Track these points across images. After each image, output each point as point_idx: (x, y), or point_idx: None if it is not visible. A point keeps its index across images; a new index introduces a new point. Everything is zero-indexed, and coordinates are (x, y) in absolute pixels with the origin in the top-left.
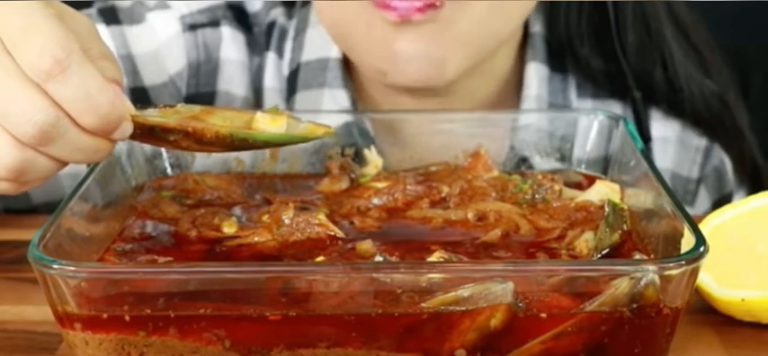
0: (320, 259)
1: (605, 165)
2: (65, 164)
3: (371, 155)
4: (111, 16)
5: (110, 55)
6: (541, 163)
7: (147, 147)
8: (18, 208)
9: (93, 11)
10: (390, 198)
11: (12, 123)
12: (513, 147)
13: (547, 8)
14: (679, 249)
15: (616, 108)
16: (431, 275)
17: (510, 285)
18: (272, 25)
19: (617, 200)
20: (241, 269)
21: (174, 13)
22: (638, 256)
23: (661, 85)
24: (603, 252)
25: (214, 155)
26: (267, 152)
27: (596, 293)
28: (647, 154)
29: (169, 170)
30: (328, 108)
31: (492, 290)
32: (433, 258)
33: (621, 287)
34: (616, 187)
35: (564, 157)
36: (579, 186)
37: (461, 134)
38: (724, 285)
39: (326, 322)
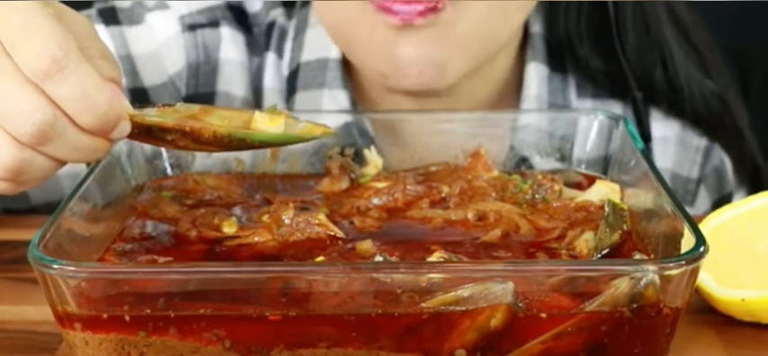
0: (320, 259)
1: (605, 165)
2: (63, 163)
3: (371, 155)
4: (110, 17)
5: (108, 54)
6: (541, 163)
7: (148, 147)
8: (17, 208)
9: (92, 11)
10: (390, 198)
11: (10, 123)
12: (513, 147)
13: (546, 8)
14: (679, 249)
15: (616, 108)
16: (431, 275)
17: (510, 285)
18: (271, 25)
19: (617, 200)
20: (241, 269)
21: (174, 13)
22: (638, 256)
23: (661, 85)
24: (603, 252)
25: (214, 155)
26: (267, 152)
27: (596, 293)
28: (647, 154)
29: (169, 170)
30: (328, 108)
31: (492, 290)
32: (433, 258)
33: (621, 287)
34: (616, 187)
35: (564, 157)
36: (579, 186)
37: (461, 134)
38: (724, 285)
39: (326, 322)
